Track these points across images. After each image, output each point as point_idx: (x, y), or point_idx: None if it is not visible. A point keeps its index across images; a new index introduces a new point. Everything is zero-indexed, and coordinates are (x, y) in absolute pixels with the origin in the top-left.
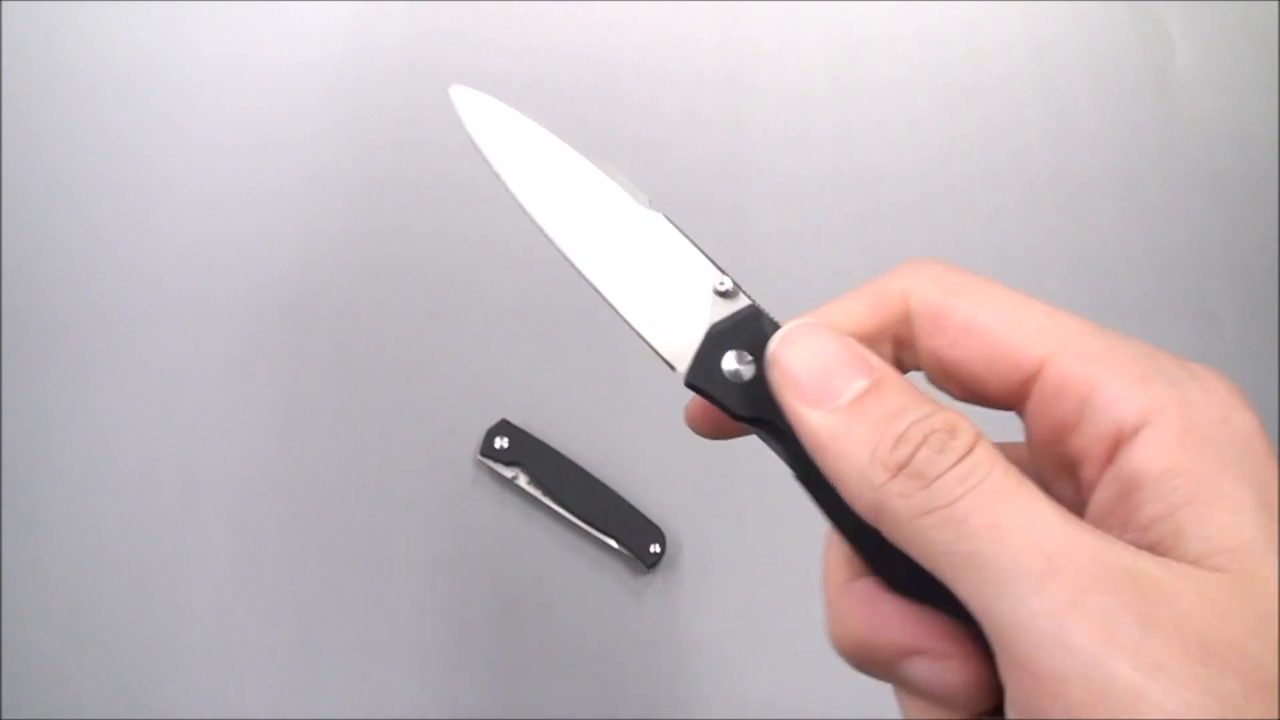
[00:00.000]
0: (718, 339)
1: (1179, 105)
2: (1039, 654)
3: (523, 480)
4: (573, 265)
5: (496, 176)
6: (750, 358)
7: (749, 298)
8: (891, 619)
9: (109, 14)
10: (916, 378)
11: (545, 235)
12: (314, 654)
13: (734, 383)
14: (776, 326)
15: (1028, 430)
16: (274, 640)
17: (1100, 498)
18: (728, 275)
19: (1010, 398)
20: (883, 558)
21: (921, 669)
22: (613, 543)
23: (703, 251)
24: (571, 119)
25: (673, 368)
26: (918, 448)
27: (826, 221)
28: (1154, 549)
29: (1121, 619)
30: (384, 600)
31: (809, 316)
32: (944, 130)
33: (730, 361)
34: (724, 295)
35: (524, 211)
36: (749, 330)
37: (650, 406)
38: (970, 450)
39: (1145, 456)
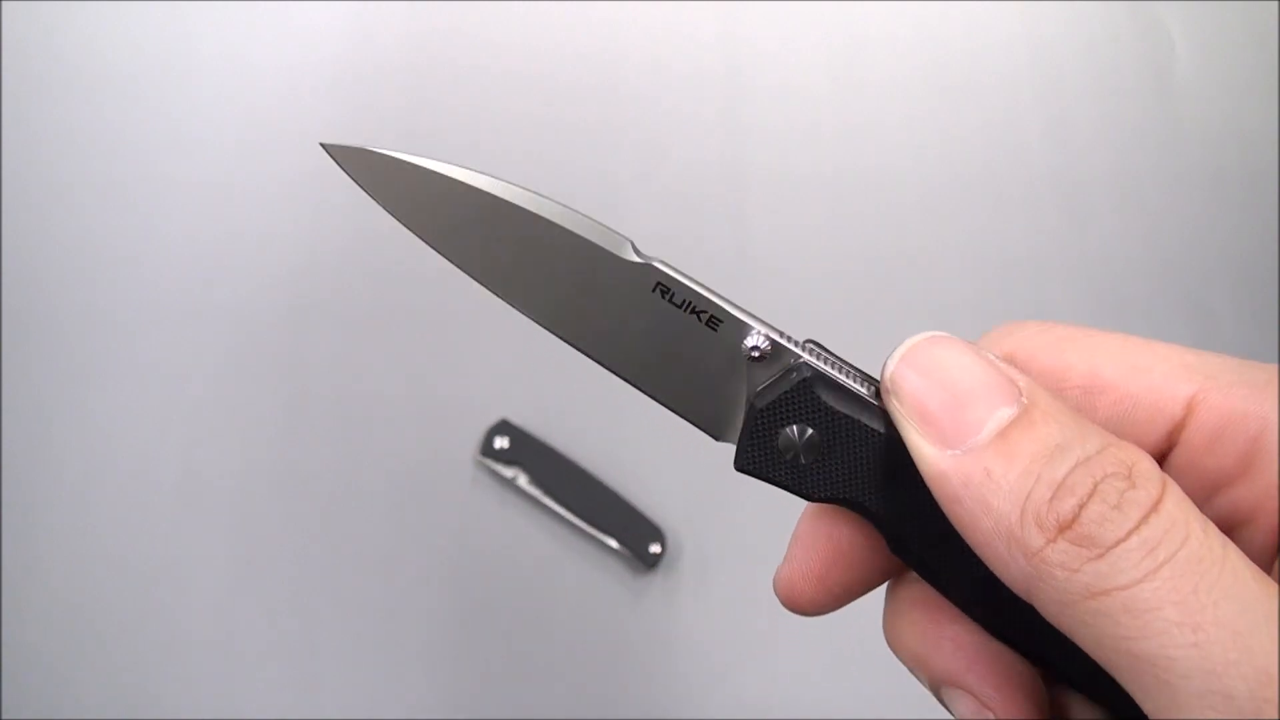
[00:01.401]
0: (768, 415)
1: (1179, 105)
2: None
3: (523, 480)
4: (572, 345)
5: (444, 256)
6: (812, 432)
7: (795, 348)
8: (944, 643)
9: (109, 14)
10: None
11: (521, 311)
12: (314, 654)
13: (798, 463)
14: (842, 387)
15: None
16: (274, 640)
17: None
18: (762, 325)
19: (1152, 455)
20: (1031, 643)
21: (961, 706)
22: (613, 543)
23: (722, 301)
24: (571, 118)
25: (716, 438)
26: (1086, 500)
27: (826, 221)
28: None
29: None
30: (384, 600)
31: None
32: (944, 130)
33: (789, 438)
34: (760, 358)
35: (486, 287)
36: (806, 398)
37: (650, 407)
38: (1157, 505)
39: None
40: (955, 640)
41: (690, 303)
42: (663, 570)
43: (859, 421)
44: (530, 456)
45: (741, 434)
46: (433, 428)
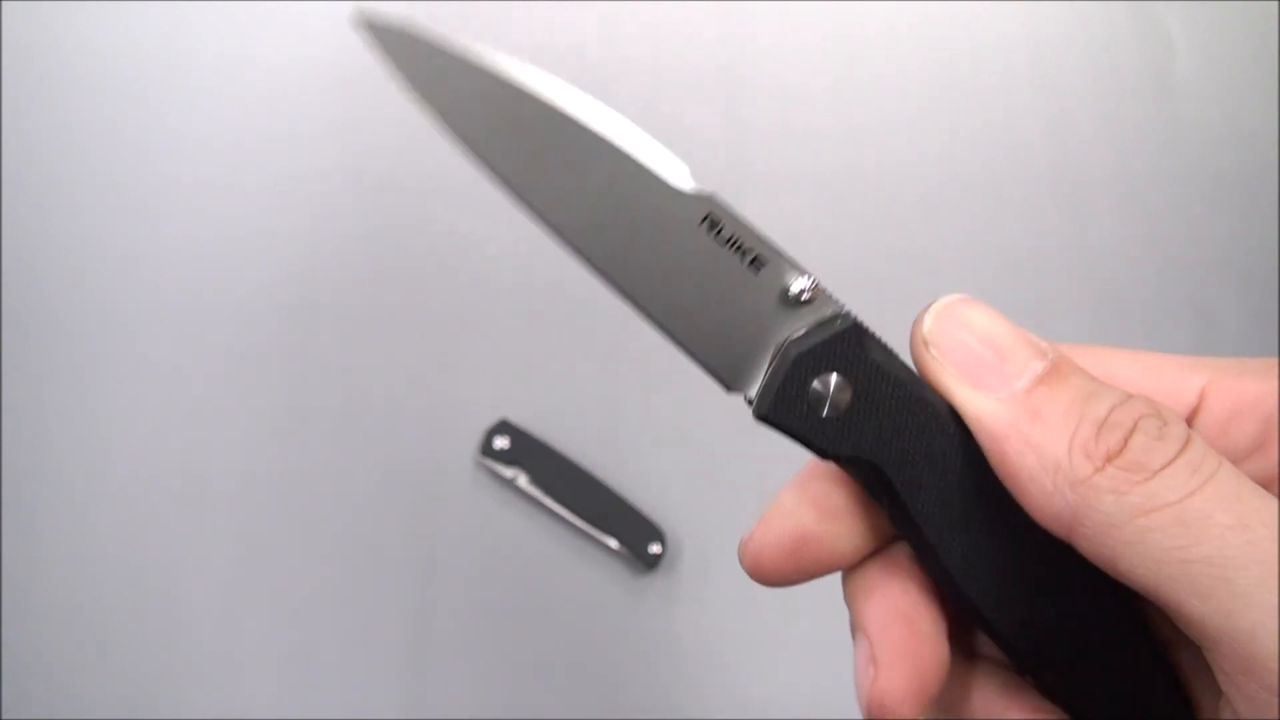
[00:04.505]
0: (806, 361)
1: (1179, 105)
2: None
3: (523, 480)
4: (596, 272)
5: (481, 168)
6: (844, 384)
7: (835, 301)
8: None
9: (109, 14)
10: None
11: (553, 235)
12: (314, 654)
13: (826, 416)
14: (883, 345)
15: None
16: (274, 640)
17: None
18: (807, 274)
19: None
20: (1026, 633)
21: (859, 651)
22: (613, 543)
23: (771, 243)
24: None
25: (728, 387)
26: (1130, 433)
27: (826, 221)
28: None
29: None
30: (384, 600)
31: None
32: (944, 130)
33: (822, 386)
34: (800, 302)
35: (520, 204)
36: (844, 349)
37: (650, 406)
38: (1190, 438)
39: None
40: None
41: (738, 240)
42: (663, 570)
43: (897, 379)
44: (530, 456)
45: (770, 379)
46: (433, 428)
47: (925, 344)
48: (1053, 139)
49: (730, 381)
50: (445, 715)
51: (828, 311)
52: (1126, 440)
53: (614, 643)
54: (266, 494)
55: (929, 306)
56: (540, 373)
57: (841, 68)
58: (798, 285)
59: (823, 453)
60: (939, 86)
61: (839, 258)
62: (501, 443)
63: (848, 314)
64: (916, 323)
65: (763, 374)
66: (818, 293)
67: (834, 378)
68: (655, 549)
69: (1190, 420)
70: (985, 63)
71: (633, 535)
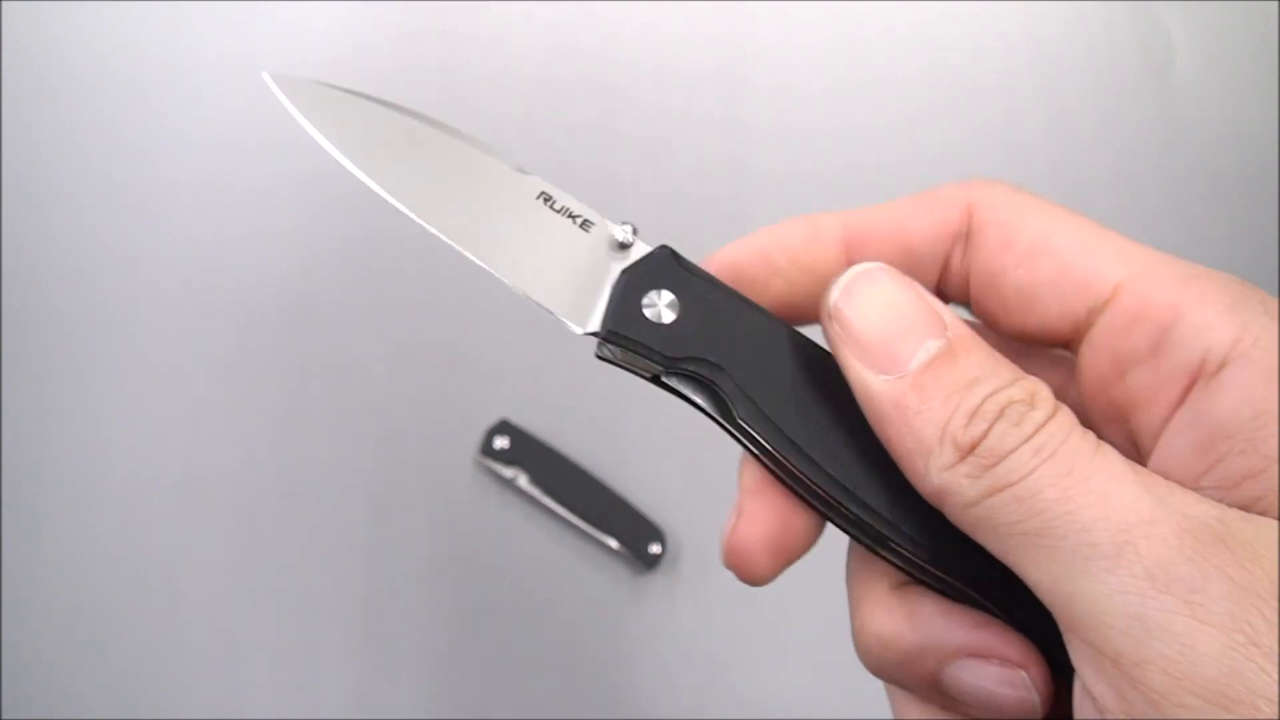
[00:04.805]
0: (634, 279)
1: (1179, 105)
2: (1118, 636)
3: (523, 480)
4: (454, 248)
5: (357, 174)
6: (672, 295)
7: (648, 246)
8: (936, 618)
9: (109, 14)
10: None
11: (417, 221)
12: (314, 654)
13: (659, 324)
14: (693, 264)
15: (1081, 370)
16: (274, 639)
17: (1173, 444)
18: (628, 224)
19: (1069, 330)
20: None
21: (984, 674)
22: (613, 543)
23: (593, 211)
24: (571, 117)
25: (578, 330)
26: (993, 423)
27: None
28: (1245, 509)
29: (1211, 590)
30: (384, 600)
31: (851, 212)
32: (944, 130)
33: (652, 300)
34: (626, 246)
35: (385, 198)
36: (665, 268)
37: (650, 406)
38: (1048, 420)
39: (1235, 398)
40: (941, 612)
41: (568, 209)
42: (663, 570)
43: (719, 288)
44: (530, 456)
45: (609, 300)
46: (433, 428)
47: (829, 317)
48: (1053, 139)
49: (582, 320)
50: (445, 715)
51: (649, 249)
52: (988, 430)
53: (614, 643)
54: (266, 494)
55: (840, 275)
56: (540, 373)
57: (841, 68)
58: (621, 232)
59: (667, 361)
60: (939, 86)
61: None
62: (501, 443)
63: (664, 247)
64: (826, 291)
65: (602, 310)
66: (637, 234)
67: (663, 292)
68: (655, 549)
69: (1097, 314)
70: (985, 63)
71: (633, 535)
